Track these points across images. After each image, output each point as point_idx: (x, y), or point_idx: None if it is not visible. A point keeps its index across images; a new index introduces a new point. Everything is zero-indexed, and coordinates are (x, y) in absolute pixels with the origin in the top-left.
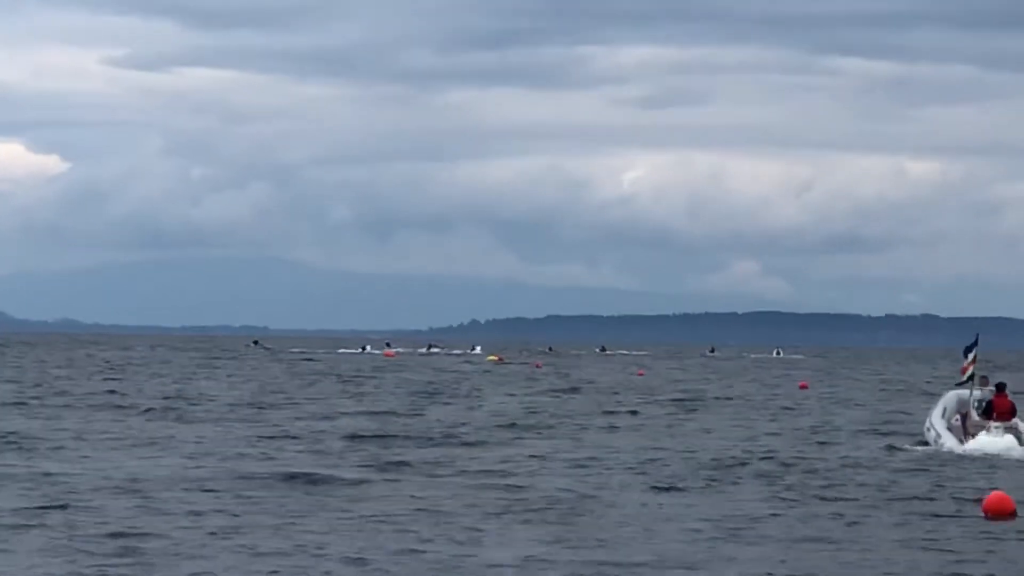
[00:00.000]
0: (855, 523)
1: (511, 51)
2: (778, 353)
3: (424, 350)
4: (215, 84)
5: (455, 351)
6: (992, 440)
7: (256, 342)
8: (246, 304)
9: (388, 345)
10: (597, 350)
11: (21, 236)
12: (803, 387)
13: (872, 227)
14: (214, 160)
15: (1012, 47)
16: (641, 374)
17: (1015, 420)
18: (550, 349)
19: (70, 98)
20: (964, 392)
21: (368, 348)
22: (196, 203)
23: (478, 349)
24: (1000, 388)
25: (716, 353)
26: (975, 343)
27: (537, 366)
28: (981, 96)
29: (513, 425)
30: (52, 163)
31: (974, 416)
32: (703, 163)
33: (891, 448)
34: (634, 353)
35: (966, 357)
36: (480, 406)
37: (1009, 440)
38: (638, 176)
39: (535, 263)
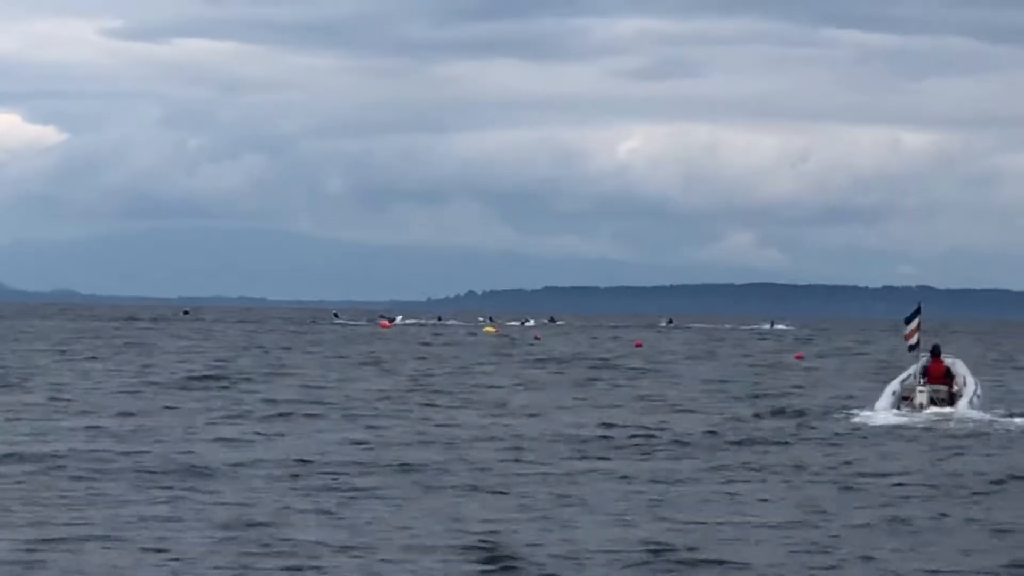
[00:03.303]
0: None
1: (507, 23)
2: (772, 325)
3: (435, 321)
4: (213, 55)
5: (511, 323)
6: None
7: (186, 311)
8: (243, 275)
9: (382, 317)
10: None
11: (18, 206)
12: (799, 358)
13: (868, 198)
14: (211, 131)
15: (1009, 19)
16: (639, 345)
17: (958, 386)
18: (551, 320)
19: (67, 69)
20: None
21: (338, 317)
22: (193, 174)
23: (531, 323)
24: (935, 353)
25: (673, 324)
26: (917, 311)
27: (537, 338)
28: (978, 68)
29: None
30: (49, 134)
31: (917, 382)
32: (699, 134)
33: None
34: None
35: (907, 325)
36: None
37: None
38: (634, 147)
39: (532, 234)
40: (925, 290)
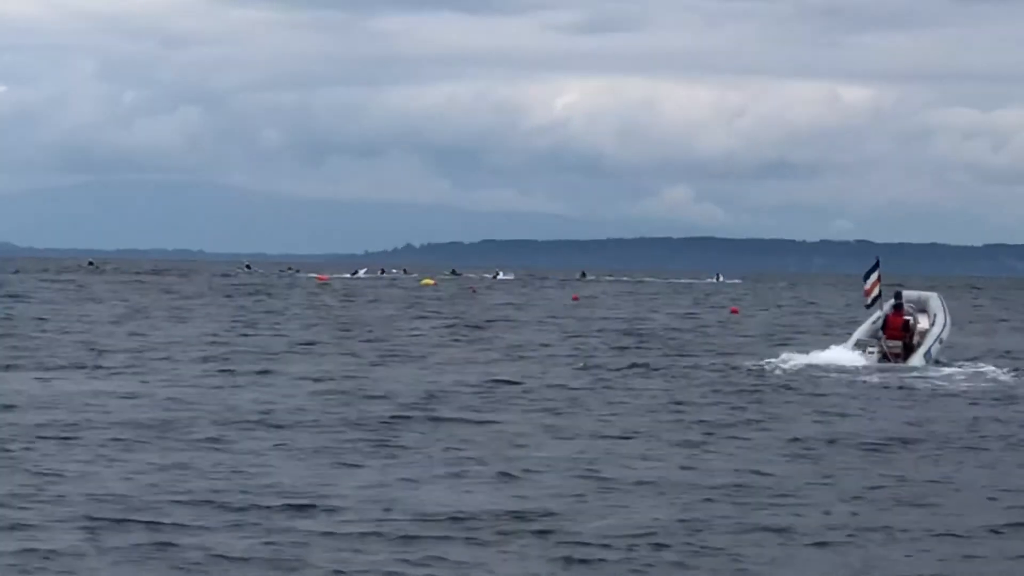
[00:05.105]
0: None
1: None
2: (717, 279)
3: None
4: (150, 9)
5: (485, 275)
6: (840, 353)
7: (91, 263)
8: (180, 228)
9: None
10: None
11: None
12: (734, 312)
13: (805, 153)
14: (148, 84)
15: None
16: (576, 298)
17: (918, 338)
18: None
19: (4, 22)
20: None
21: (249, 267)
22: (129, 127)
23: (501, 275)
24: (896, 307)
25: (588, 278)
26: (876, 266)
27: (472, 290)
28: (913, 23)
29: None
30: None
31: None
32: (636, 89)
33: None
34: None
35: (866, 280)
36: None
37: (853, 355)
38: (571, 102)
39: (468, 188)
40: (862, 244)
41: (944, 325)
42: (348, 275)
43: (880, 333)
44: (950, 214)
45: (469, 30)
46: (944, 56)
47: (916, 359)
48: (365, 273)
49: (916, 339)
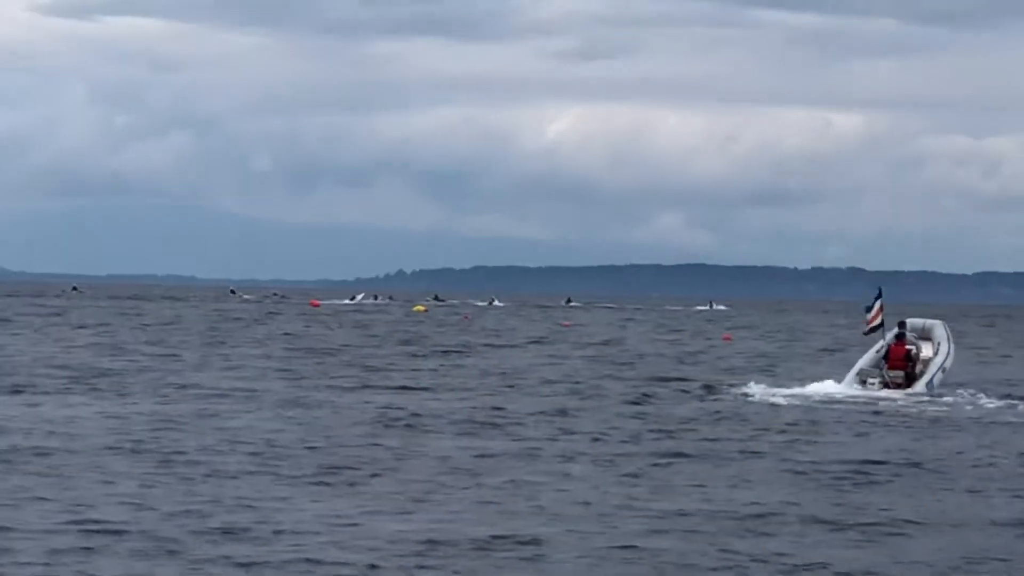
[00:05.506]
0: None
1: (439, 2)
2: (711, 306)
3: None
4: (140, 32)
5: (479, 303)
6: (828, 386)
7: (75, 288)
8: (171, 253)
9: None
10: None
11: None
12: (727, 339)
13: (797, 180)
14: (138, 108)
15: (934, 2)
16: (566, 325)
17: (921, 368)
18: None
19: None
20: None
21: (234, 292)
22: (119, 151)
23: (496, 302)
24: (899, 336)
25: (573, 304)
26: (879, 296)
27: (465, 318)
28: (904, 50)
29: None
30: None
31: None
32: (628, 115)
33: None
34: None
35: (869, 311)
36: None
37: (830, 386)
38: (563, 128)
39: (460, 214)
40: (854, 271)
41: (948, 354)
42: (348, 300)
43: (883, 363)
44: (942, 241)
45: (461, 56)
46: (936, 83)
47: (918, 388)
48: (363, 299)
49: (919, 368)
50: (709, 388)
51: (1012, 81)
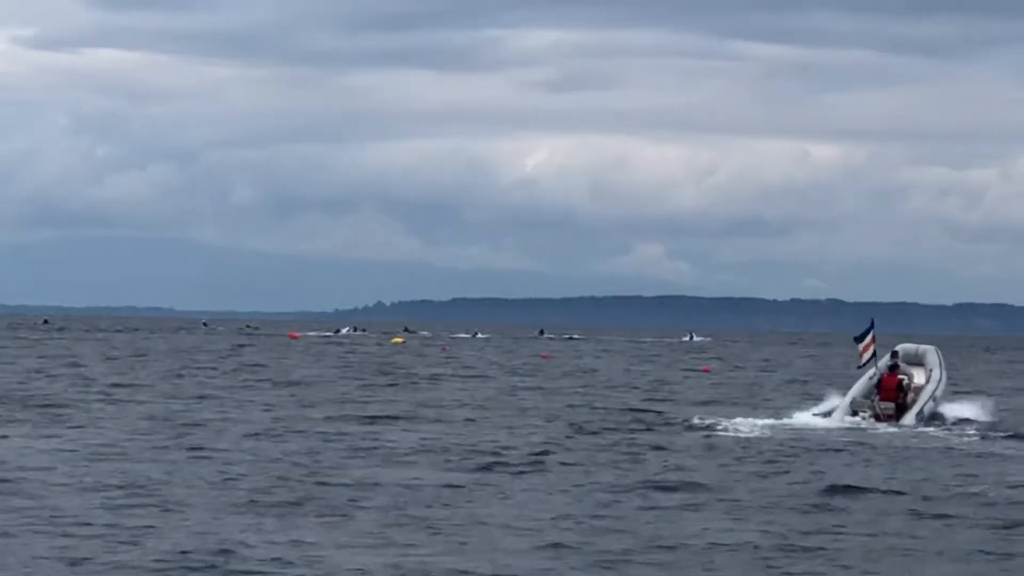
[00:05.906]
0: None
1: (417, 33)
2: (691, 337)
3: (346, 331)
4: (121, 64)
5: (460, 335)
6: (816, 418)
7: (46, 320)
8: (151, 285)
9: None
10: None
11: None
12: (706, 370)
13: (776, 211)
14: (119, 140)
15: (912, 33)
16: (545, 356)
17: (912, 398)
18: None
19: None
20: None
21: (207, 324)
22: (99, 183)
23: (480, 335)
24: (892, 367)
25: (546, 336)
26: (871, 327)
27: (444, 348)
28: (883, 81)
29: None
30: None
31: (871, 397)
32: (608, 147)
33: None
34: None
35: (860, 342)
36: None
37: (818, 420)
38: (543, 159)
39: (440, 245)
40: (833, 303)
41: (939, 381)
42: (331, 333)
43: (874, 393)
44: (921, 273)
45: (440, 87)
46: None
47: (908, 419)
48: (348, 332)
49: (911, 396)
50: (686, 420)
51: (992, 112)
